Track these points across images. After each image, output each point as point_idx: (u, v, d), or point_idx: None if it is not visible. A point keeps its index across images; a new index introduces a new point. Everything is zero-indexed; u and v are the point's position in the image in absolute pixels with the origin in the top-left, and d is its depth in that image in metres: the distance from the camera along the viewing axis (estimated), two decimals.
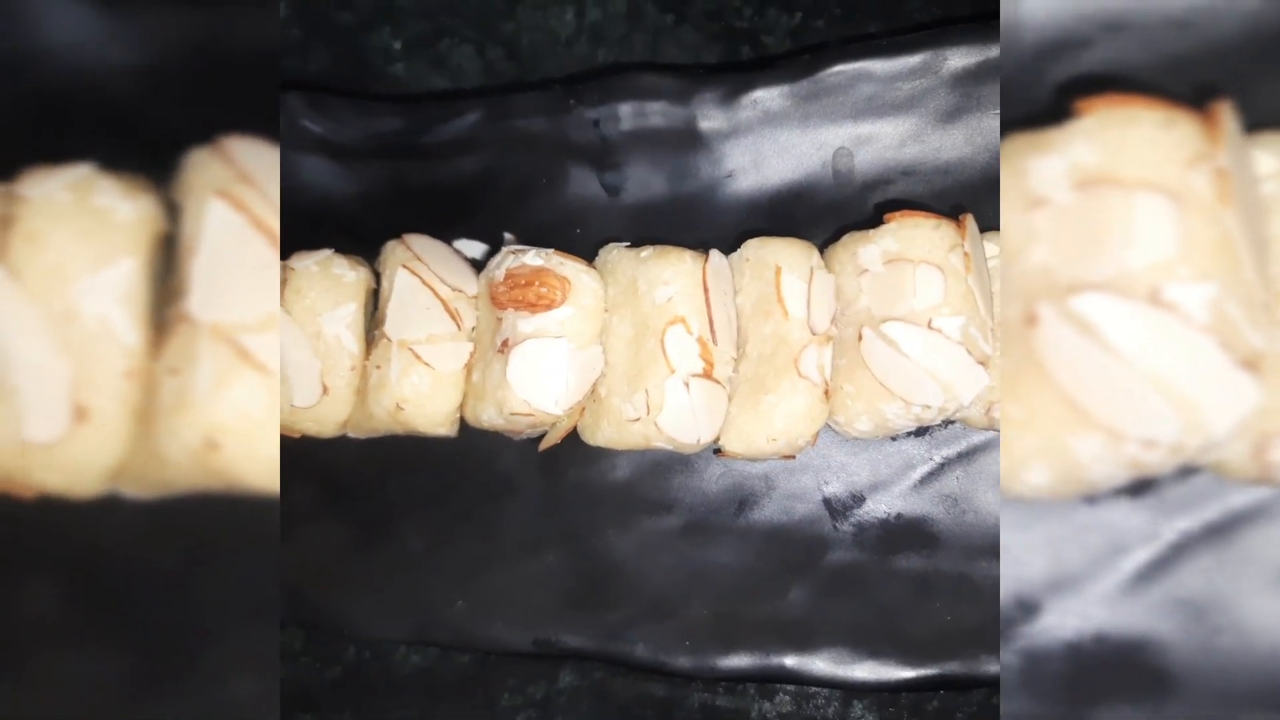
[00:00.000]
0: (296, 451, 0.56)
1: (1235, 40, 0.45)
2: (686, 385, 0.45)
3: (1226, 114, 0.38)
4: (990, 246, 0.46)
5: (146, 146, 0.31)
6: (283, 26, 0.65)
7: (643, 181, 0.55)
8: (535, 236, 0.56)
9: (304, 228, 0.58)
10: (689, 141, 0.53)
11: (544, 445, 0.50)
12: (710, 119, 0.53)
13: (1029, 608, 0.46)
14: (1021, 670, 0.46)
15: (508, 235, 0.56)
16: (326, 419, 0.52)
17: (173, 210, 0.32)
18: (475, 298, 0.51)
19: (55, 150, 0.30)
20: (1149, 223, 0.36)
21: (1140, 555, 0.46)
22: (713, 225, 0.54)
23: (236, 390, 0.30)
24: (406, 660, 0.58)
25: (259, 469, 0.30)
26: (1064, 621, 0.46)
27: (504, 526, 0.54)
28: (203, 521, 0.33)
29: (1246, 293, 0.36)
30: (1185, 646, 0.45)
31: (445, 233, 0.55)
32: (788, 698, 0.54)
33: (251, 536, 0.34)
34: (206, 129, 0.31)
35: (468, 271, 0.51)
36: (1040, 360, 0.37)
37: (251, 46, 0.36)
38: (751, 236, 0.52)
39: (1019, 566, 0.47)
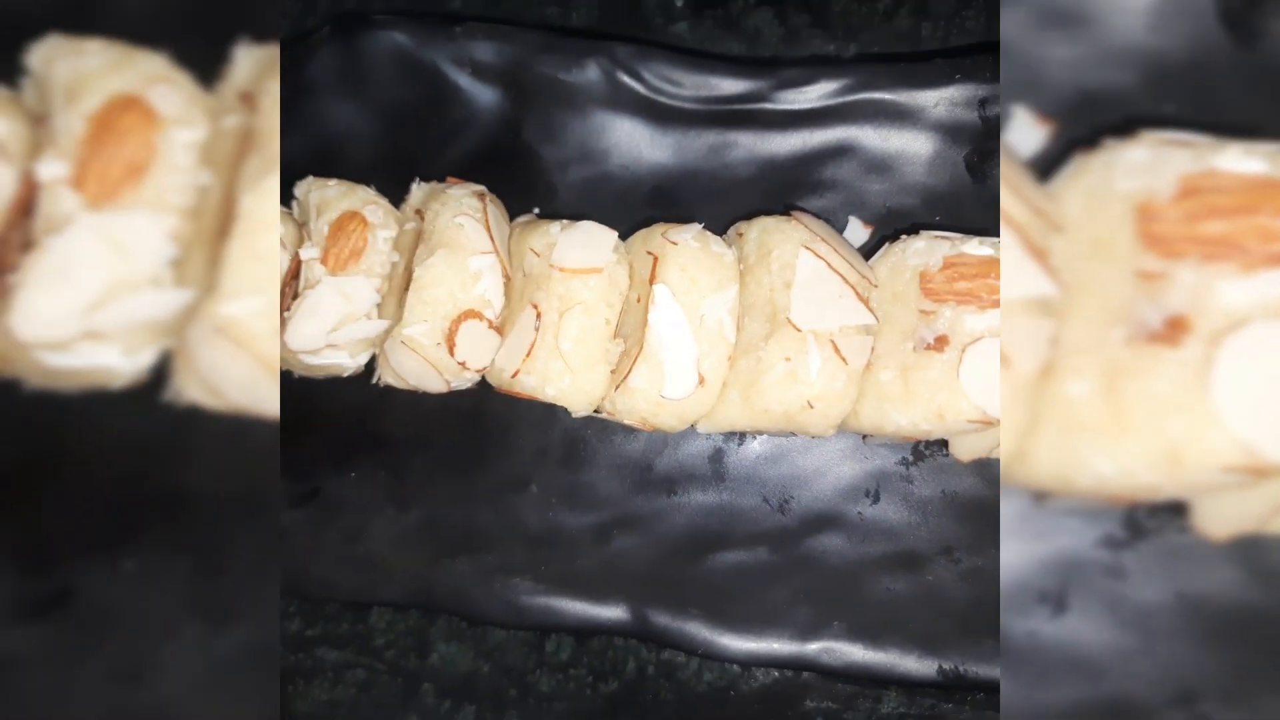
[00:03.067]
0: (598, 445, 0.51)
1: None
2: None
3: None
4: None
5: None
6: None
7: None
8: (882, 221, 0.52)
9: (608, 197, 0.52)
10: None
11: (970, 456, 0.45)
12: None
13: None
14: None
15: (853, 219, 0.51)
16: (690, 412, 0.46)
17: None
18: (876, 286, 0.46)
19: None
20: None
21: None
22: None
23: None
24: (699, 678, 0.53)
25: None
26: None
27: (869, 532, 0.49)
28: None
29: None
30: None
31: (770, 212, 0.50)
32: None
33: None
34: None
35: (859, 256, 0.46)
36: None
37: None
38: None
39: None
